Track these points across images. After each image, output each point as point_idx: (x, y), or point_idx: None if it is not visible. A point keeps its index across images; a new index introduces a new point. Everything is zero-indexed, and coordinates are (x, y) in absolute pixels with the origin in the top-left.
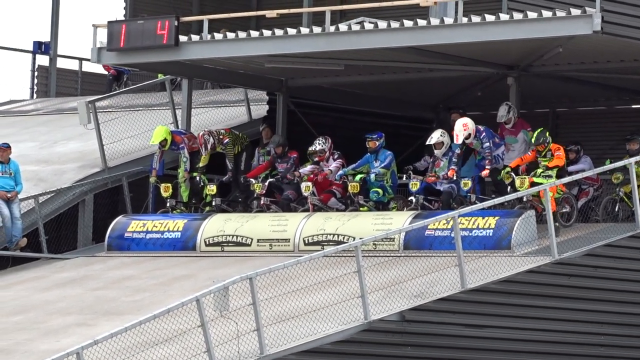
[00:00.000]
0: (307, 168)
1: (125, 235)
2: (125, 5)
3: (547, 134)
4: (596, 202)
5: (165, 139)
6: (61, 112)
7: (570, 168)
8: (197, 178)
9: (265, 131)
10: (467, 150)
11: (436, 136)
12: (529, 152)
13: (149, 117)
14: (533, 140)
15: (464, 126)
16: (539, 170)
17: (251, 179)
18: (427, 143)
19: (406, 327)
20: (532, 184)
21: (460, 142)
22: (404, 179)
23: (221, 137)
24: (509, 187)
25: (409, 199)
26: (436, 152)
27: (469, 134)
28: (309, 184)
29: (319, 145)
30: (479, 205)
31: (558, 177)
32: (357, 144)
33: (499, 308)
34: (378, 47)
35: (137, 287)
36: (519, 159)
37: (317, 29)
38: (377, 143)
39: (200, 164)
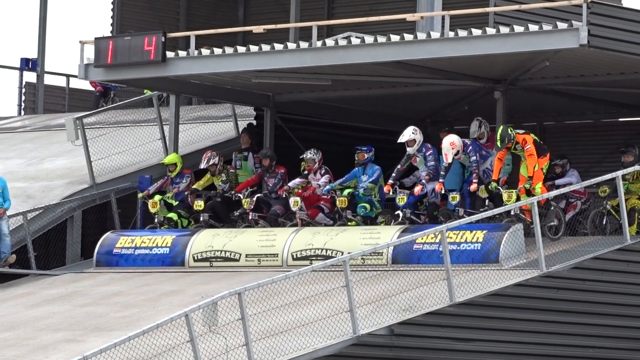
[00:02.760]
0: (295, 181)
1: (114, 251)
2: (112, 22)
3: (510, 129)
4: (584, 215)
5: (175, 164)
6: (49, 129)
7: (558, 181)
8: (189, 197)
9: (244, 136)
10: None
11: (408, 134)
12: (502, 150)
13: (136, 133)
14: (499, 143)
15: (451, 145)
16: (526, 186)
17: (239, 194)
18: (399, 141)
19: (395, 341)
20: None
21: (450, 160)
22: (391, 193)
23: (228, 166)
24: (486, 200)
25: (396, 213)
26: (409, 149)
27: (458, 151)
28: (298, 199)
29: (309, 154)
30: (467, 219)
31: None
32: (344, 158)
33: (487, 322)
34: (365, 62)
35: (126, 302)
36: (497, 161)
37: (304, 44)
38: (366, 156)
39: (195, 185)
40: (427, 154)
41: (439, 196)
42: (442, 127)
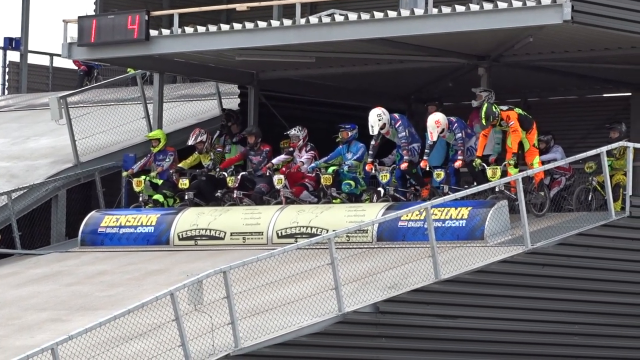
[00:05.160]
0: (279, 157)
1: (99, 230)
2: (96, 0)
3: (494, 107)
4: (569, 191)
5: (159, 139)
6: (33, 108)
7: (542, 157)
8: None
9: (233, 127)
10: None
11: (375, 122)
12: (487, 127)
13: (120, 112)
14: (484, 121)
15: (436, 123)
16: (511, 162)
17: (224, 172)
18: (372, 133)
19: (380, 319)
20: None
21: (435, 139)
22: (373, 171)
23: (216, 145)
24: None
25: (378, 189)
26: (382, 132)
27: (443, 129)
28: (282, 176)
29: (294, 131)
30: (452, 196)
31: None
32: (328, 136)
33: (472, 298)
34: (349, 39)
35: (111, 282)
36: (481, 137)
37: (287, 22)
38: (350, 134)
39: (181, 164)
40: (397, 125)
41: (416, 154)
42: (430, 103)
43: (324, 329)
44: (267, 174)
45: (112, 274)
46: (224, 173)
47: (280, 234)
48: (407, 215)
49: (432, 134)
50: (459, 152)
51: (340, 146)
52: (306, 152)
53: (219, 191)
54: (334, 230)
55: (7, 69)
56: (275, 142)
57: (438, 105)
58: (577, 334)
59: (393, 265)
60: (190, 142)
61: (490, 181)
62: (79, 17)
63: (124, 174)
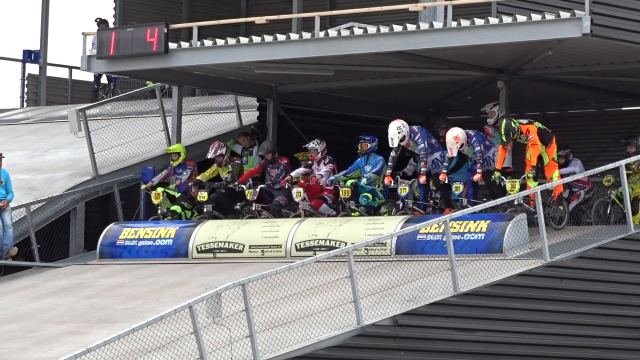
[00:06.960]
0: (298, 170)
1: (117, 242)
2: (115, 13)
3: (513, 121)
4: (587, 204)
5: (179, 153)
6: (51, 121)
7: (561, 171)
8: (192, 188)
9: (243, 140)
10: (460, 157)
11: (395, 135)
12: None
13: (139, 125)
14: (504, 138)
15: (455, 139)
16: (530, 175)
17: (242, 185)
18: (392, 146)
19: (399, 332)
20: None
21: (455, 154)
22: (392, 184)
23: (235, 158)
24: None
25: (397, 202)
26: (402, 144)
27: (462, 144)
28: (300, 189)
29: (312, 144)
30: (471, 209)
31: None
32: (347, 149)
33: (491, 312)
34: (367, 52)
35: (130, 294)
36: (501, 150)
37: (306, 35)
38: (369, 146)
39: (200, 177)
40: (416, 138)
41: (439, 165)
42: (440, 126)
43: (342, 342)
44: (286, 186)
45: (130, 286)
46: (242, 186)
47: (299, 247)
48: (425, 228)
49: (452, 149)
50: (478, 164)
51: (359, 159)
52: (325, 165)
53: (237, 204)
54: (352, 243)
55: (26, 82)
56: (293, 154)
57: (447, 127)
58: (595, 348)
59: (412, 279)
60: (210, 155)
61: (509, 194)
62: (98, 30)
63: (143, 186)
